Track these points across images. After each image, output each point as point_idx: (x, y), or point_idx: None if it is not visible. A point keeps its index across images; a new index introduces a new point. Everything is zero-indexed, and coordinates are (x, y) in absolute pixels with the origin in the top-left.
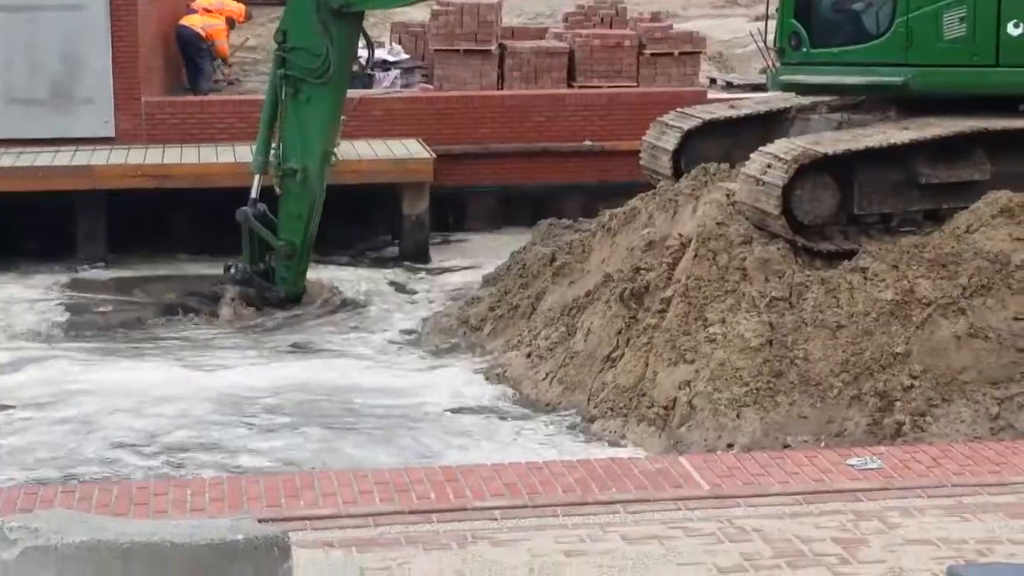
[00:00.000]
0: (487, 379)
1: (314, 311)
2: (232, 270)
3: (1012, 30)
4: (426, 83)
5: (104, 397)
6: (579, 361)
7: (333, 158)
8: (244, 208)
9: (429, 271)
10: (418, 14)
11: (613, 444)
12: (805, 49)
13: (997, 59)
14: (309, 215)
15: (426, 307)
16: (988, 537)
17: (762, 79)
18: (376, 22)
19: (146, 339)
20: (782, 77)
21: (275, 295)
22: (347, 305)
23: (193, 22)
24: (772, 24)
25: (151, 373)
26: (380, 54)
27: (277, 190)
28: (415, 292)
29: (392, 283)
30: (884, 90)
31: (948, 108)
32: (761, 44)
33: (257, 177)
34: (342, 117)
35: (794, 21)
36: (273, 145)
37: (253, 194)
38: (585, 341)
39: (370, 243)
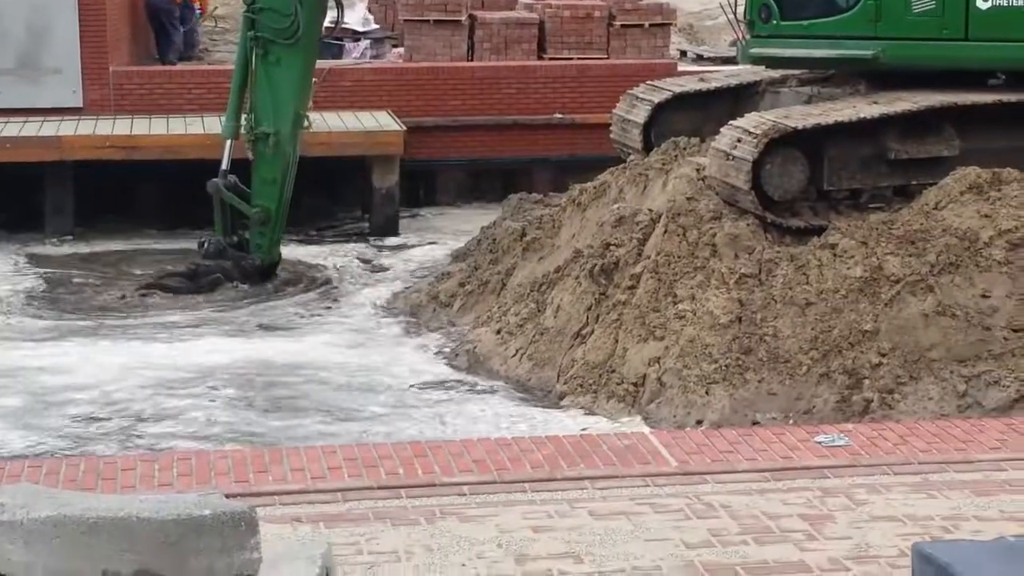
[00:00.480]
0: (457, 355)
1: (283, 287)
2: (206, 245)
3: (981, 4)
4: (397, 46)
5: (69, 373)
6: (549, 337)
7: (306, 121)
8: (215, 180)
9: (399, 246)
10: None
11: (582, 420)
12: (775, 22)
13: (966, 33)
14: (283, 180)
15: (396, 282)
16: (954, 514)
17: (732, 52)
18: None
19: (121, 316)
20: (752, 50)
21: (250, 263)
22: (316, 281)
23: None
24: None
25: (117, 349)
26: (354, 22)
27: (250, 155)
28: (384, 267)
29: (361, 257)
30: (853, 63)
31: (917, 82)
32: (731, 16)
33: (228, 145)
34: (313, 80)
35: None
36: (244, 110)
37: (223, 165)
38: (555, 317)
39: (339, 217)
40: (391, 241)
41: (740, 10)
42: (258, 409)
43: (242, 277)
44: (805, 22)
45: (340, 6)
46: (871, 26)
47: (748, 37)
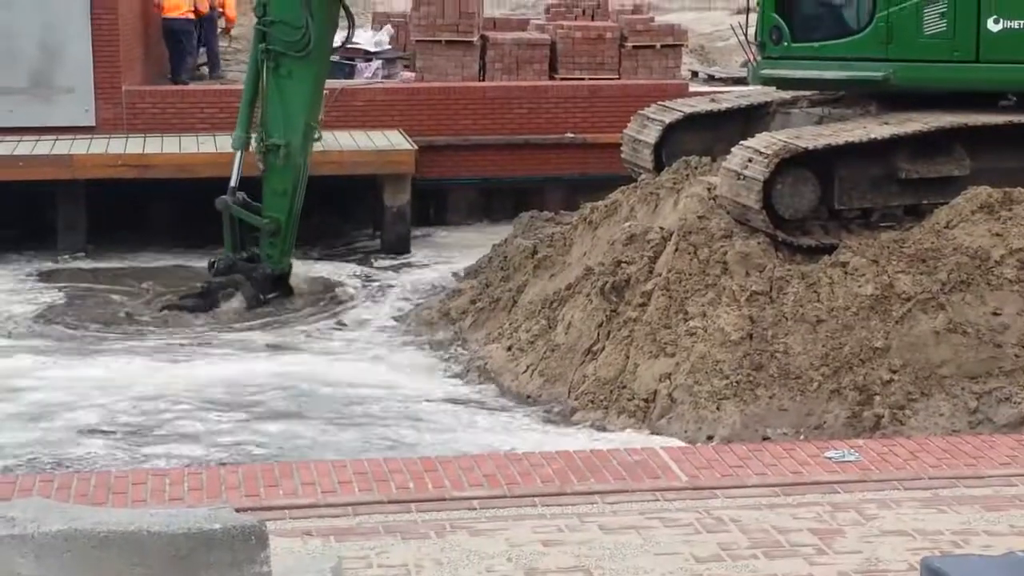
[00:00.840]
0: (468, 372)
1: (293, 304)
2: (216, 264)
3: (992, 26)
4: (408, 68)
5: (80, 389)
6: (560, 354)
7: (316, 133)
8: (223, 197)
9: (410, 264)
10: (400, 4)
11: (593, 436)
12: (786, 43)
13: (977, 55)
14: (293, 191)
15: (407, 300)
16: (964, 529)
17: (743, 72)
18: (358, 12)
19: (134, 334)
20: (763, 71)
21: (262, 272)
22: (326, 298)
23: (179, 7)
24: (753, 17)
25: (129, 366)
26: (364, 42)
27: (260, 167)
28: (396, 285)
29: (372, 275)
30: (864, 85)
31: (928, 103)
32: (742, 38)
33: (238, 157)
34: (324, 92)
35: (775, 15)
36: (255, 122)
37: (232, 182)
38: (566, 334)
39: (351, 235)
40: (402, 259)
41: (751, 31)
42: (264, 424)
43: (255, 288)
44: (816, 44)
45: (351, 22)
46: (882, 48)
47: (759, 58)
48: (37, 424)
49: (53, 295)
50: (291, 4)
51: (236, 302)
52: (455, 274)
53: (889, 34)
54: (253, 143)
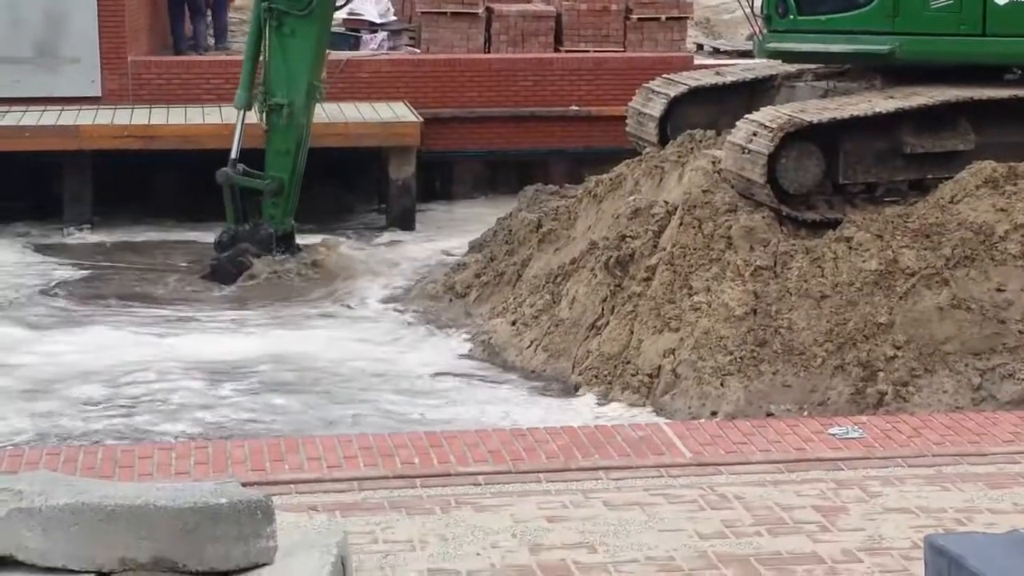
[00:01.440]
0: (472, 346)
1: (296, 277)
2: (220, 238)
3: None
4: (413, 46)
5: (73, 364)
6: (564, 329)
7: (319, 92)
8: (224, 169)
9: (415, 237)
10: None
11: (596, 412)
12: (792, 16)
13: (984, 28)
14: (297, 150)
15: (412, 273)
16: (967, 506)
17: (749, 45)
18: None
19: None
20: (769, 44)
21: (266, 231)
22: (332, 271)
23: None
24: None
25: (124, 339)
26: (369, 13)
27: (263, 126)
28: (400, 258)
29: (378, 249)
30: (870, 58)
31: (933, 77)
32: (748, 11)
33: (239, 127)
34: (326, 52)
35: None
36: (258, 81)
37: (233, 154)
38: (570, 309)
39: (356, 208)
40: (408, 232)
41: (757, 4)
42: (273, 399)
43: (260, 249)
44: (822, 17)
45: None
46: (888, 21)
47: (765, 32)
48: (34, 398)
49: (66, 271)
50: None
51: (255, 270)
52: (471, 244)
53: (895, 7)
54: (256, 103)
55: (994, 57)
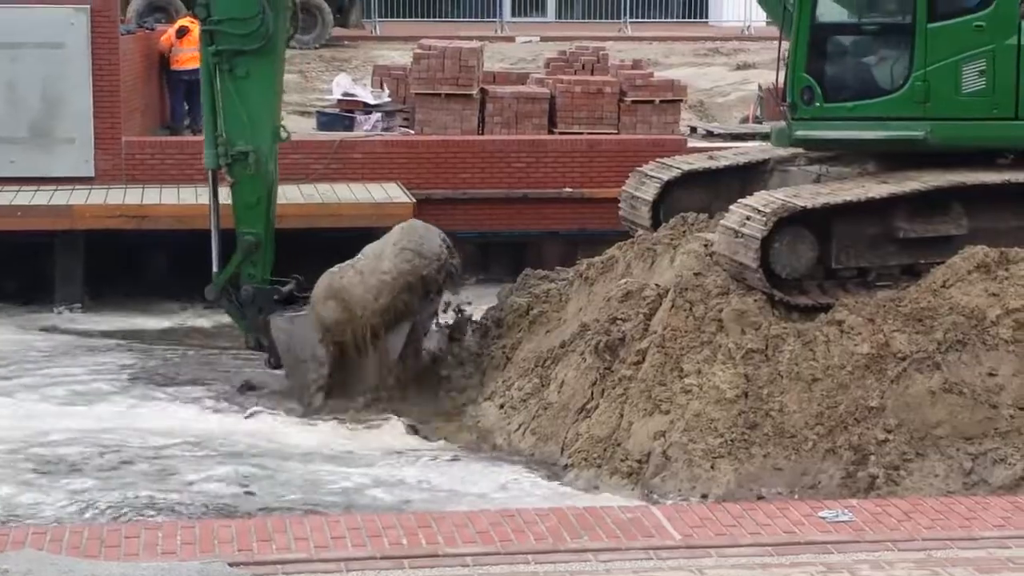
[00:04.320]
0: (461, 430)
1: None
2: (247, 342)
3: None
4: (406, 127)
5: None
6: (552, 412)
7: (283, 133)
8: (210, 288)
9: None
10: (400, 58)
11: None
12: (819, 104)
13: (1017, 111)
14: (268, 199)
15: None
16: None
17: (743, 129)
18: (358, 65)
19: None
20: (798, 132)
21: (246, 294)
22: None
23: (196, 59)
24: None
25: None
26: (365, 95)
27: (228, 179)
28: None
29: None
30: (902, 144)
31: (927, 162)
32: (760, 96)
33: (213, 210)
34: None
35: (806, 75)
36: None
37: (215, 266)
38: (559, 392)
39: None
40: None
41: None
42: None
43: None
44: (849, 104)
45: (296, 9)
46: (919, 107)
47: (790, 119)
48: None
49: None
50: None
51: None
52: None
53: (926, 93)
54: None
55: None
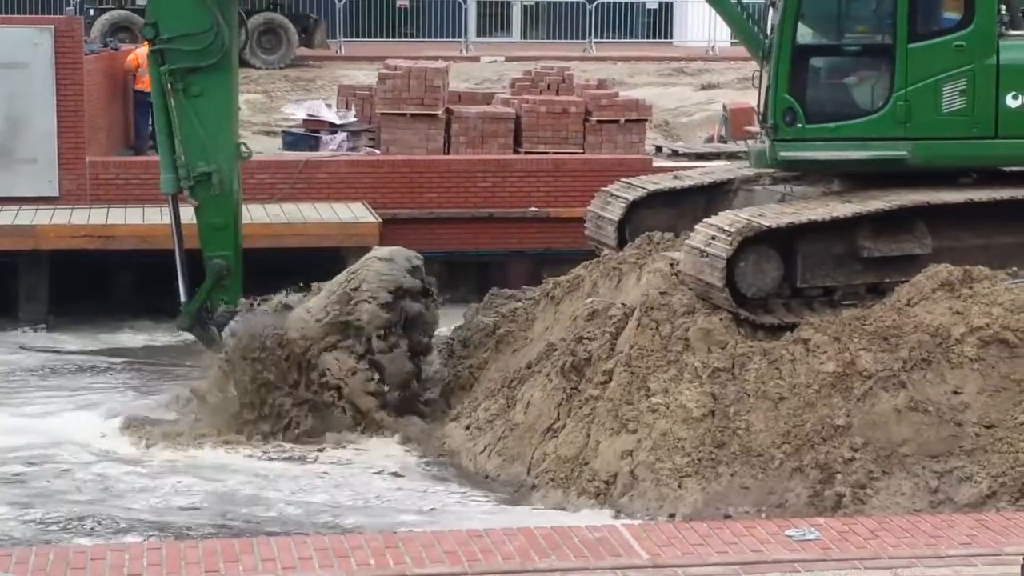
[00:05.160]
0: (426, 451)
1: None
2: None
3: (1011, 102)
4: (372, 147)
5: None
6: (518, 433)
7: (244, 151)
8: (180, 319)
9: None
10: (366, 78)
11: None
12: (800, 125)
13: (996, 131)
14: (235, 220)
15: None
16: None
17: (708, 148)
18: (324, 84)
19: None
20: (781, 154)
21: (221, 318)
22: None
23: None
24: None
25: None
26: (330, 115)
27: (192, 202)
28: None
29: None
30: (886, 164)
31: (890, 182)
32: (724, 116)
33: (180, 266)
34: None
35: (788, 96)
36: (175, 156)
37: (183, 295)
38: (525, 413)
39: None
40: None
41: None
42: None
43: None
44: (831, 124)
45: (244, 22)
46: (900, 127)
47: (772, 140)
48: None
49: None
50: (187, 14)
51: None
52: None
53: (907, 113)
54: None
55: (1008, 159)
